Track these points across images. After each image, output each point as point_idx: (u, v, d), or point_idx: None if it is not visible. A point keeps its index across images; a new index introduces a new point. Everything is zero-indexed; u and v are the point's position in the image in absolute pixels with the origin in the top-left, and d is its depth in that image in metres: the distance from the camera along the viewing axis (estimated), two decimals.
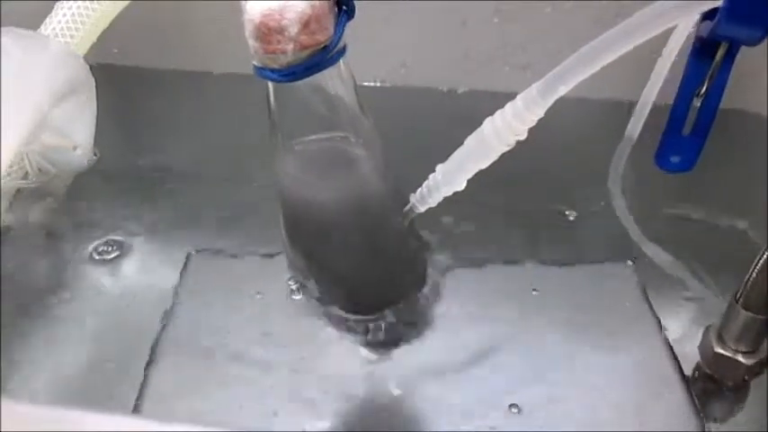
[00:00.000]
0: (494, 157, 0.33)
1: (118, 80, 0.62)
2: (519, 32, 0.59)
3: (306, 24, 0.29)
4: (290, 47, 0.30)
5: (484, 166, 0.33)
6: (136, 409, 0.37)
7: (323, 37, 0.30)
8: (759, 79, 0.56)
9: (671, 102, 0.36)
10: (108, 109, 0.51)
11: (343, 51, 0.32)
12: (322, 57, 0.31)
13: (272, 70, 0.31)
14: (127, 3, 0.48)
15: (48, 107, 0.43)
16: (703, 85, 0.32)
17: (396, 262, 0.41)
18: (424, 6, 0.58)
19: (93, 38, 0.48)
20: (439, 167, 0.35)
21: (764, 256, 0.35)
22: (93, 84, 0.49)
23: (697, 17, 0.30)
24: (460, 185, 0.35)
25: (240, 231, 0.48)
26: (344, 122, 0.35)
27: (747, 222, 0.49)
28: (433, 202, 0.36)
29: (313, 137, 0.36)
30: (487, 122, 0.32)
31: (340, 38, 0.31)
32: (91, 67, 0.48)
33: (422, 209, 0.37)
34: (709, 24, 0.29)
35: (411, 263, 0.42)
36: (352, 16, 0.31)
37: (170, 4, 0.60)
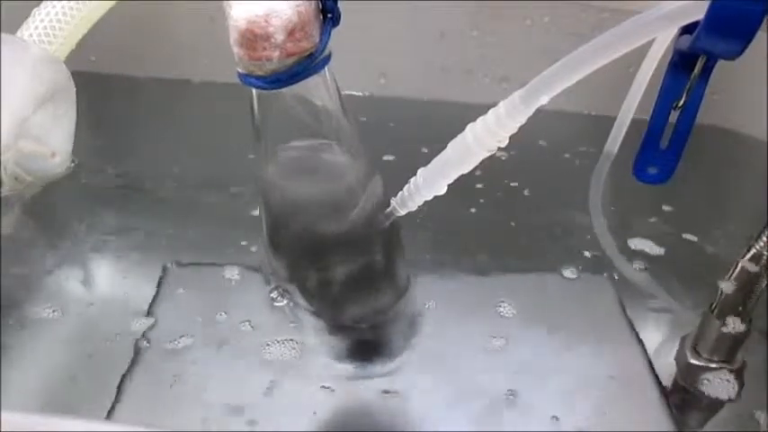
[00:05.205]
0: (474, 162, 0.33)
1: (97, 88, 0.61)
2: (497, 45, 0.59)
3: (291, 32, 0.29)
4: (275, 54, 0.29)
5: (465, 171, 0.34)
6: (110, 417, 0.37)
7: (308, 44, 0.30)
8: (733, 97, 0.57)
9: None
10: (87, 117, 0.51)
11: (328, 59, 0.32)
12: (307, 64, 0.31)
13: (257, 77, 0.31)
14: (106, 9, 0.48)
15: (30, 113, 0.43)
16: (681, 98, 0.33)
17: (378, 270, 0.41)
18: (403, 18, 0.59)
19: (73, 44, 0.47)
20: (420, 171, 0.35)
21: (738, 268, 0.35)
22: (74, 90, 0.48)
23: (676, 31, 0.31)
24: (441, 189, 0.35)
25: (221, 240, 0.48)
26: (328, 130, 0.35)
27: (720, 235, 0.50)
28: (414, 205, 0.36)
29: (297, 144, 0.36)
30: (469, 128, 0.33)
31: (325, 45, 0.31)
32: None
33: (402, 212, 0.37)
34: (687, 38, 0.29)
35: (393, 271, 0.42)
36: (338, 24, 0.31)
37: (149, 12, 0.60)
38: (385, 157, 0.54)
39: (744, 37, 0.27)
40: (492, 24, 0.59)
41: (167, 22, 0.61)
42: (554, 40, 0.57)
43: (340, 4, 0.31)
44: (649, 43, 0.49)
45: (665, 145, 0.34)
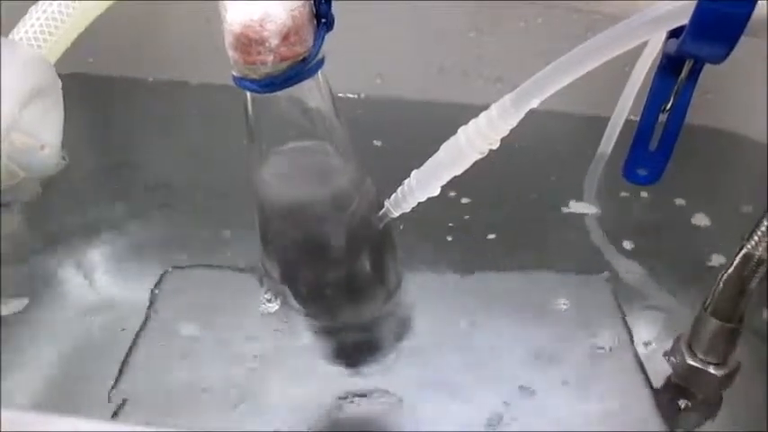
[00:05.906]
0: (467, 164, 0.34)
1: (94, 90, 0.61)
2: (493, 46, 0.59)
3: (286, 36, 0.30)
4: (269, 58, 0.30)
5: (457, 173, 0.34)
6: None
7: (302, 49, 0.30)
8: (732, 98, 0.57)
9: None
10: (83, 119, 0.51)
11: (321, 63, 0.32)
12: (301, 68, 0.31)
13: (252, 81, 0.31)
14: (102, 9, 0.48)
15: (17, 113, 0.43)
16: (669, 101, 0.33)
17: (371, 271, 0.41)
18: (400, 19, 0.59)
19: (68, 43, 0.47)
20: (414, 173, 0.36)
21: (732, 266, 0.36)
22: (60, 84, 0.48)
23: (664, 35, 0.31)
24: (434, 191, 0.35)
25: (215, 242, 0.48)
26: (321, 132, 0.35)
27: (719, 234, 0.50)
28: (407, 206, 0.37)
29: (290, 146, 0.36)
30: (461, 131, 0.33)
31: (319, 50, 0.31)
32: (66, 77, 0.48)
33: (396, 213, 0.37)
34: (675, 42, 0.30)
35: (386, 272, 0.43)
36: (332, 29, 0.32)
37: (146, 14, 0.60)
38: (379, 159, 0.54)
39: (728, 41, 0.27)
40: (489, 26, 0.59)
41: (165, 24, 0.61)
42: (549, 42, 0.57)
43: (337, 4, 0.31)
44: (643, 44, 0.49)
45: (654, 147, 0.34)
